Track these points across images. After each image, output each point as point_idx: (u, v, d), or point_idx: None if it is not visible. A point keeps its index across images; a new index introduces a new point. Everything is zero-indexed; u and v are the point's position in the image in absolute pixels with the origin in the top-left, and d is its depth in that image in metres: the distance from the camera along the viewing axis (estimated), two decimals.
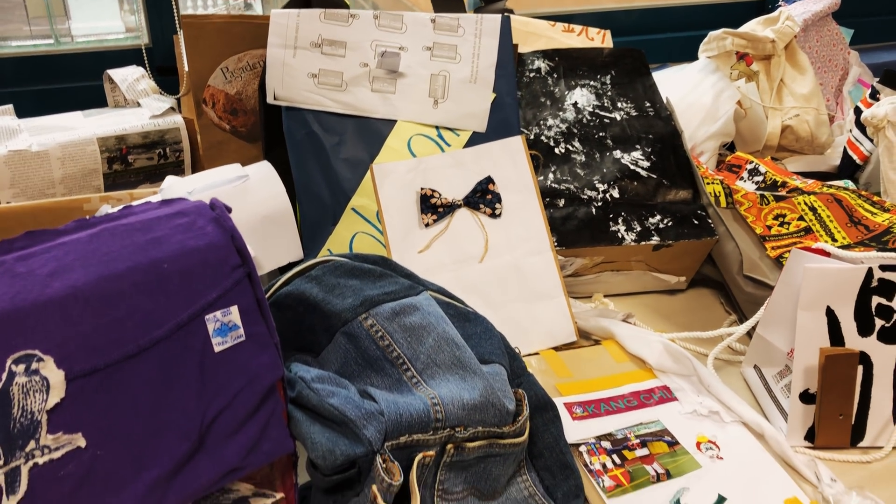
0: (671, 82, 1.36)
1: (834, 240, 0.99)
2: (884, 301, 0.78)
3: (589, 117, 1.07)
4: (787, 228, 1.02)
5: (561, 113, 1.07)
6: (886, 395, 0.78)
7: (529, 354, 0.88)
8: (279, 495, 0.61)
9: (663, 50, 1.60)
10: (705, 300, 1.06)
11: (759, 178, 1.17)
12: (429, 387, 0.65)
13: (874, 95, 1.24)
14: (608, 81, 1.13)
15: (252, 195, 0.91)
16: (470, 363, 0.66)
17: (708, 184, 1.07)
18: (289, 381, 0.64)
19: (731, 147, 1.44)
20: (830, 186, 1.11)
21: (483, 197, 0.91)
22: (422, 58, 0.92)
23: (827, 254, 0.80)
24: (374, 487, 0.57)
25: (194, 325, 0.54)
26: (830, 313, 0.78)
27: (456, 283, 0.89)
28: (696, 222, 0.98)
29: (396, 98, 0.92)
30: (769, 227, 1.03)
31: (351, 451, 0.59)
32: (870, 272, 0.77)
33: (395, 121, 0.92)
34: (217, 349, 0.55)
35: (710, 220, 0.98)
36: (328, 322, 0.68)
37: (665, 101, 1.11)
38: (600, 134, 1.05)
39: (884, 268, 0.77)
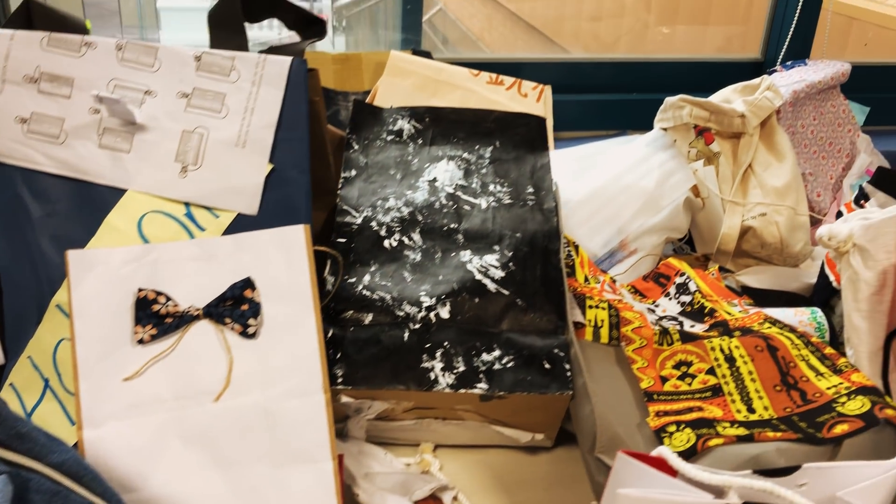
0: (610, 156, 1.08)
1: (751, 410, 0.69)
2: None
3: (445, 201, 0.80)
4: (689, 384, 0.73)
5: (409, 192, 0.81)
6: None
7: None
8: None
9: (635, 113, 1.31)
10: (576, 467, 0.77)
11: (687, 299, 0.88)
12: None
13: (859, 200, 0.93)
14: (487, 154, 0.85)
15: None
16: None
17: (590, 307, 0.78)
18: None
19: (691, 243, 1.14)
20: (776, 324, 0.81)
21: (234, 307, 0.65)
22: (174, 107, 0.67)
23: (673, 472, 0.51)
24: None
25: None
26: None
27: (176, 429, 0.63)
28: (547, 366, 0.69)
29: (131, 159, 0.67)
30: (664, 380, 0.73)
31: None
32: None
33: (124, 190, 0.67)
34: None
35: (567, 365, 0.69)
36: None
37: (554, 187, 0.83)
38: (452, 225, 0.78)
39: None
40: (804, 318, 0.89)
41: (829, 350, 0.76)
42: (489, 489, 0.73)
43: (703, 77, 1.24)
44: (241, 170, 0.68)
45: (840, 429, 0.65)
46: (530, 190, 0.82)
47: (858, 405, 0.67)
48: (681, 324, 0.84)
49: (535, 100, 1.20)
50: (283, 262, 0.66)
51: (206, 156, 0.67)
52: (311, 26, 0.74)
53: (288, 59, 0.68)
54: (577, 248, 0.88)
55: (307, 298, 0.67)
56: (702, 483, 0.50)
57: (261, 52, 0.72)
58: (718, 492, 0.50)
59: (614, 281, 0.89)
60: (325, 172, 0.78)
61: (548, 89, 1.22)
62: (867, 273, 0.76)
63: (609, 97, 1.33)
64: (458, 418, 0.73)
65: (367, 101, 1.12)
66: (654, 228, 1.02)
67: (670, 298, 0.89)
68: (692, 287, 0.88)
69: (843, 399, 0.68)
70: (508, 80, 1.19)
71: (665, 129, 1.09)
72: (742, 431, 0.66)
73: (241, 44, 0.69)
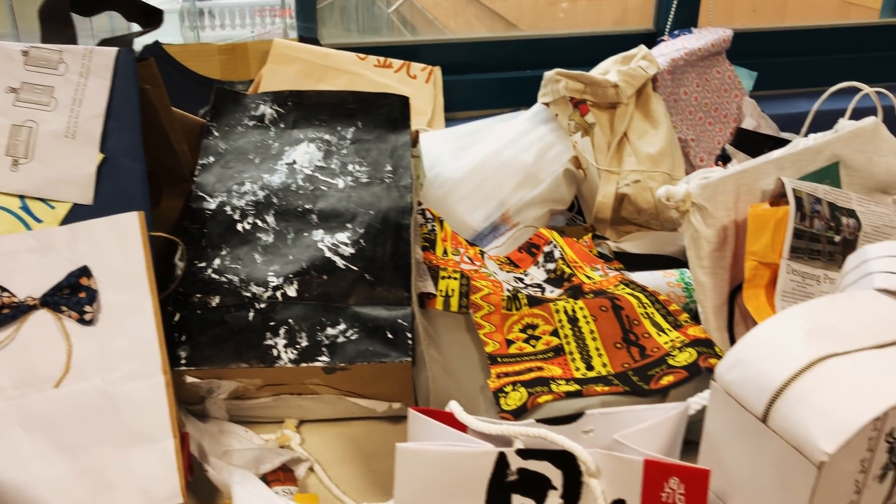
0: (492, 132, 1.10)
1: (590, 367, 0.72)
2: (530, 503, 0.50)
3: (302, 183, 0.82)
4: (534, 346, 0.75)
5: (267, 175, 0.82)
6: None
7: None
8: None
9: (531, 90, 1.32)
10: None
11: (552, 266, 0.90)
12: None
13: (718, 162, 0.96)
14: (349, 135, 0.87)
15: None
16: None
17: (443, 278, 0.80)
18: None
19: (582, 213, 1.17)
20: (629, 285, 0.83)
21: (71, 295, 0.66)
22: (3, 102, 0.68)
23: (462, 426, 0.53)
24: None
25: None
26: None
27: (16, 416, 0.64)
28: (390, 336, 0.71)
29: None
30: (509, 343, 0.75)
31: None
32: (502, 460, 0.50)
33: None
34: None
35: (409, 335, 0.71)
36: None
37: (409, 164, 0.85)
38: (306, 206, 0.80)
39: (525, 453, 0.50)
40: (672, 279, 0.91)
41: (674, 307, 0.78)
42: (348, 459, 0.75)
43: (599, 51, 1.25)
44: (72, 161, 0.69)
45: (666, 380, 0.68)
46: (389, 168, 0.84)
47: (686, 357, 0.69)
48: (542, 290, 0.86)
49: (424, 81, 1.21)
50: (119, 248, 0.68)
51: (36, 149, 0.68)
52: (149, 16, 0.75)
53: (114, 50, 0.69)
54: (441, 222, 0.89)
55: (143, 284, 0.68)
56: (490, 435, 0.52)
57: (99, 43, 0.73)
58: (508, 441, 0.52)
59: (482, 253, 0.91)
60: (174, 160, 0.79)
61: (437, 70, 1.23)
62: (707, 231, 0.78)
63: (506, 75, 1.35)
64: (313, 393, 0.75)
65: (250, 90, 1.14)
66: (535, 201, 1.04)
67: (538, 267, 0.91)
68: (557, 255, 0.90)
69: (676, 352, 0.71)
70: (397, 62, 1.21)
71: (547, 104, 1.11)
72: (574, 388, 0.68)
73: (70, 36, 0.70)
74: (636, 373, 0.70)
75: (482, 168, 1.04)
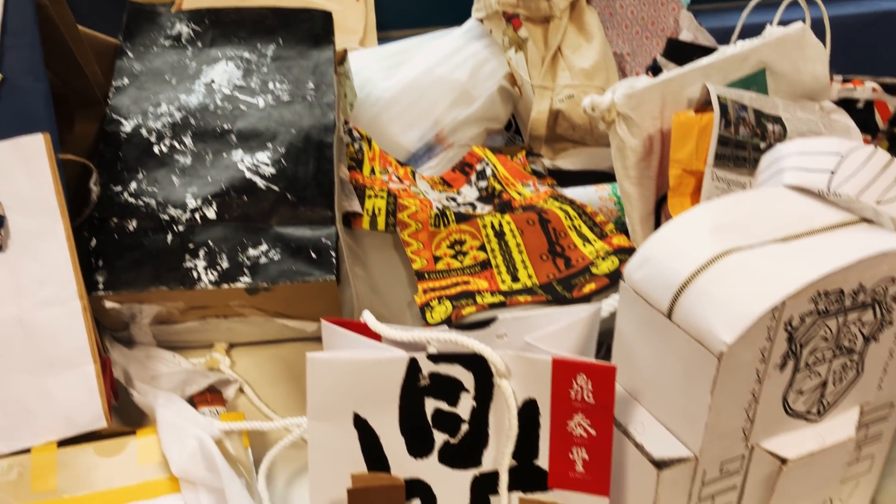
0: (424, 50, 1.07)
1: (515, 279, 0.72)
2: (444, 406, 0.51)
3: (220, 103, 0.79)
4: (461, 261, 0.75)
5: (184, 96, 0.79)
6: None
7: (15, 453, 0.62)
8: None
9: (468, 6, 1.29)
10: None
11: (484, 184, 0.89)
12: None
13: (648, 72, 0.95)
14: (269, 52, 0.84)
15: None
16: None
17: (370, 197, 0.79)
18: None
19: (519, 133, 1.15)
20: (558, 199, 0.83)
21: None
22: None
23: (377, 335, 0.52)
24: None
25: None
26: (362, 424, 0.51)
27: None
28: (313, 256, 0.70)
29: None
30: (437, 259, 0.75)
31: None
32: (414, 365, 0.50)
33: None
34: None
35: (333, 253, 0.70)
36: None
37: (332, 80, 0.82)
38: (225, 126, 0.77)
39: (436, 358, 0.50)
40: (605, 193, 0.91)
41: (600, 218, 0.78)
42: (279, 379, 0.75)
43: None
44: None
45: (588, 288, 0.68)
46: (311, 86, 0.82)
47: (609, 265, 0.70)
48: (475, 208, 0.85)
49: None
50: (25, 172, 0.65)
51: None
52: None
53: None
54: (369, 141, 0.88)
55: (53, 208, 0.66)
56: (404, 342, 0.52)
57: None
58: (422, 348, 0.52)
59: (413, 173, 0.90)
60: (84, 82, 0.76)
61: None
62: (633, 140, 0.78)
63: None
64: (240, 315, 0.74)
65: (173, 10, 1.09)
66: (469, 120, 1.03)
67: (471, 186, 0.91)
68: (488, 172, 0.89)
69: (599, 261, 0.71)
70: None
71: (480, 20, 1.09)
72: (499, 299, 0.68)
73: None
74: (560, 282, 0.70)
75: (415, 87, 1.02)
